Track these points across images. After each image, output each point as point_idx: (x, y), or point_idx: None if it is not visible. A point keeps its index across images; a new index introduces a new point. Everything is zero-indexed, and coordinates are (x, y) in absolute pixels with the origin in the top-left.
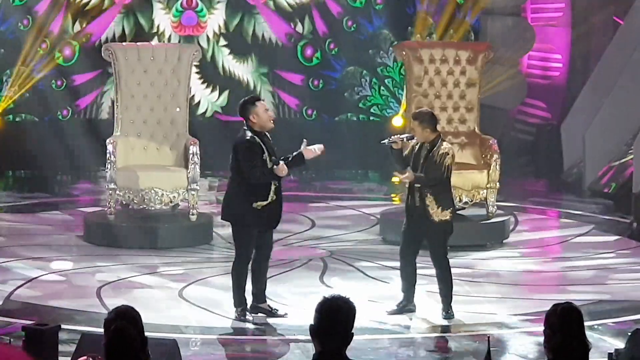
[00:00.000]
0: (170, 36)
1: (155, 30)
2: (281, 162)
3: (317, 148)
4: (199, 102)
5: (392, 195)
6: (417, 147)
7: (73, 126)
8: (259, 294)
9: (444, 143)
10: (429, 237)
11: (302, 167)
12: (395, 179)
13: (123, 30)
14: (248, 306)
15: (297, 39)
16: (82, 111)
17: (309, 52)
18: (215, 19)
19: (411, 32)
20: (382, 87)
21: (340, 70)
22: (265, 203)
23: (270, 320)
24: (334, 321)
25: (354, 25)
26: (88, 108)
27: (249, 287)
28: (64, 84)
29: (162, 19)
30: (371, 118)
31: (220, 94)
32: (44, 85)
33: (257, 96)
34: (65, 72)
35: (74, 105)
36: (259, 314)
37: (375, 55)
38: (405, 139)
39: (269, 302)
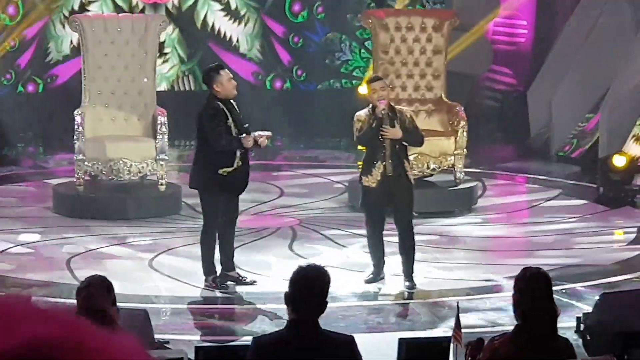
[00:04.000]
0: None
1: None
2: (250, 134)
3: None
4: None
5: (359, 163)
6: (374, 123)
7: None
8: (227, 262)
9: (399, 107)
10: (402, 203)
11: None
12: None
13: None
14: (218, 274)
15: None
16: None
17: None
18: None
19: None
20: (362, 50)
21: (322, 35)
22: (230, 169)
23: (239, 289)
24: (309, 290)
25: None
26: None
27: (218, 255)
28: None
29: None
30: (354, 82)
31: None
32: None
33: (221, 65)
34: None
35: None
36: (228, 282)
37: (353, 19)
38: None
39: (237, 270)
